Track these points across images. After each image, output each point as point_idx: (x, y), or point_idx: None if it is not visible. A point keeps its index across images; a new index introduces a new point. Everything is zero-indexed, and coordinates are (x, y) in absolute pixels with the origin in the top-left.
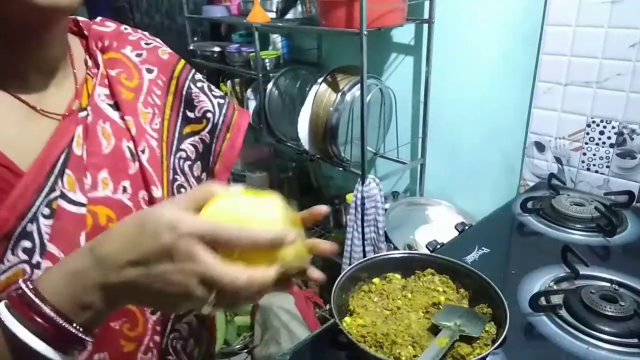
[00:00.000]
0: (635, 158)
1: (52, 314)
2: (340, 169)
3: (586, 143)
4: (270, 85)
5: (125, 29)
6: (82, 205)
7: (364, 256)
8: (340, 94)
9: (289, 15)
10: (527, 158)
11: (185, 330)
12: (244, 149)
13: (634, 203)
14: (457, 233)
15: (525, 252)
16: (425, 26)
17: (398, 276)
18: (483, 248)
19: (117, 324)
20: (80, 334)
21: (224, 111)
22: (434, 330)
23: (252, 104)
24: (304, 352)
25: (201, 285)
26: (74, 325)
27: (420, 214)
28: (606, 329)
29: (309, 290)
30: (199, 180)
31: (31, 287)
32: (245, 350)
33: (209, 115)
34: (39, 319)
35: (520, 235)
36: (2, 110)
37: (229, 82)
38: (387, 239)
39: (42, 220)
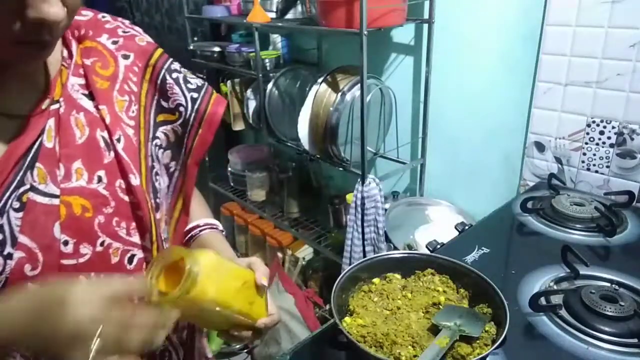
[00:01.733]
0: (635, 158)
1: None
2: (340, 169)
3: (586, 143)
4: (270, 85)
5: (103, 17)
6: (55, 196)
7: (364, 256)
8: (340, 94)
9: (289, 15)
10: (527, 158)
11: (175, 341)
12: (244, 149)
13: (634, 203)
14: (457, 233)
15: (525, 252)
16: (425, 26)
17: (398, 276)
18: (483, 248)
19: None
20: None
21: (196, 106)
22: (434, 330)
23: (252, 104)
24: (304, 352)
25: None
26: None
27: (420, 214)
28: (606, 329)
29: (309, 290)
30: (167, 167)
31: None
32: (245, 350)
33: (181, 109)
34: None
35: (520, 235)
36: None
37: (229, 82)
38: (387, 239)
39: (12, 213)
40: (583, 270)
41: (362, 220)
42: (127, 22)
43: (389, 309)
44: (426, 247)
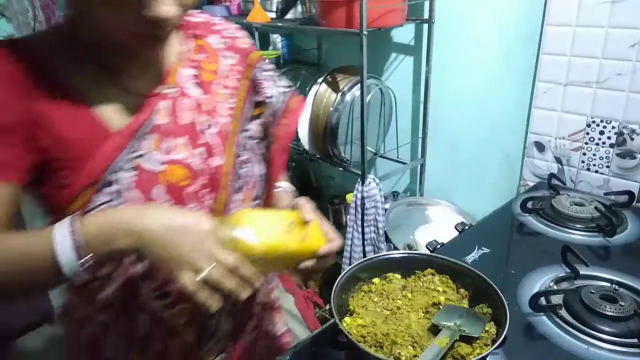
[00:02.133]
0: (635, 158)
1: (76, 232)
2: (340, 169)
3: (586, 143)
4: None
5: (213, 19)
6: (159, 164)
7: (364, 256)
8: (340, 94)
9: (289, 15)
10: (527, 158)
11: None
12: None
13: (634, 203)
14: (457, 233)
15: (525, 252)
16: (425, 26)
17: (398, 276)
18: (483, 248)
19: None
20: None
21: (284, 98)
22: (434, 330)
23: None
24: (304, 352)
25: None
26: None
27: (420, 214)
28: (606, 329)
29: (309, 290)
30: (263, 156)
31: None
32: None
33: (271, 101)
34: (70, 229)
35: (520, 235)
36: (105, 91)
37: None
38: (387, 239)
39: (124, 173)
40: (583, 270)
41: (362, 220)
42: (233, 25)
43: (389, 309)
44: (426, 247)
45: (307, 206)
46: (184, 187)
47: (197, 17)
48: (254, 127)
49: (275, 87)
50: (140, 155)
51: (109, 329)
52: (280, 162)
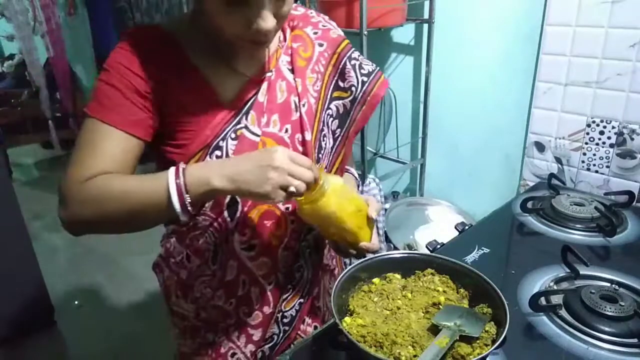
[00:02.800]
0: (635, 158)
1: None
2: None
3: (586, 143)
4: None
5: (311, 13)
6: (257, 135)
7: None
8: None
9: None
10: (527, 158)
11: (311, 242)
12: None
13: (634, 203)
14: (457, 233)
15: (525, 252)
16: (425, 26)
17: (398, 276)
18: (483, 248)
19: (268, 222)
20: (186, 200)
21: (364, 88)
22: (434, 330)
23: None
24: (304, 352)
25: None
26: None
27: (420, 214)
28: (606, 329)
29: None
30: (334, 133)
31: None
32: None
33: (353, 89)
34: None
35: (520, 235)
36: (220, 71)
37: None
38: (387, 239)
39: (230, 141)
40: (583, 270)
41: None
42: (326, 17)
43: (389, 309)
44: (426, 247)
45: (376, 206)
46: None
47: (297, 10)
48: (334, 107)
49: (359, 76)
50: (244, 127)
51: (200, 274)
52: (352, 144)
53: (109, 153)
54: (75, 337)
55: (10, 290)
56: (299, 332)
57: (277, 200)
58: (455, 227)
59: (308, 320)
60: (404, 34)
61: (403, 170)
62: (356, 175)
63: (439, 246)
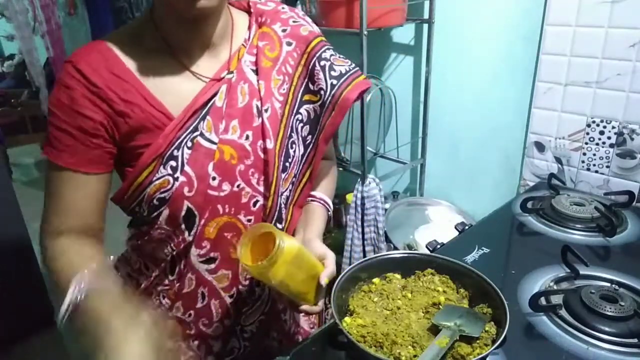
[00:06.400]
0: (635, 158)
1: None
2: (340, 168)
3: (586, 143)
4: None
5: (283, 8)
6: (214, 143)
7: (364, 256)
8: None
9: None
10: (527, 158)
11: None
12: None
13: (634, 203)
14: (457, 233)
15: (525, 252)
16: (425, 26)
17: (398, 276)
18: (483, 248)
19: (229, 234)
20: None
21: (333, 92)
22: (434, 330)
23: None
24: (304, 352)
25: None
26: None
27: (420, 214)
28: (606, 329)
29: None
30: (304, 140)
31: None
32: None
33: (322, 92)
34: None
35: (520, 235)
36: (168, 72)
37: None
38: (387, 239)
39: (185, 149)
40: (583, 270)
41: (362, 220)
42: (300, 13)
43: (389, 309)
44: (426, 247)
45: (329, 270)
46: (234, 165)
47: (267, 5)
48: (304, 111)
49: (328, 78)
50: (200, 134)
51: (158, 283)
52: (322, 153)
53: (71, 204)
54: (75, 337)
55: (10, 290)
56: (266, 349)
57: None
58: (455, 227)
59: (274, 334)
60: (404, 34)
61: (403, 170)
62: (329, 206)
63: (439, 246)
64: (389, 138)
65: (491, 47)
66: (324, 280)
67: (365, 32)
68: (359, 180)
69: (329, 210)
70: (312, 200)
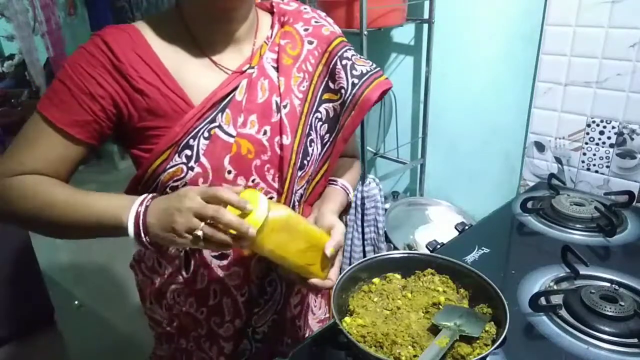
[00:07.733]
0: (635, 158)
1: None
2: None
3: (586, 143)
4: None
5: (305, 8)
6: (232, 136)
7: (364, 256)
8: None
9: None
10: (527, 158)
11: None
12: None
13: (634, 203)
14: (457, 233)
15: (525, 252)
16: (425, 26)
17: (398, 276)
18: (483, 248)
19: None
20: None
21: (354, 91)
22: (434, 330)
23: None
24: (304, 352)
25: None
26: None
27: (420, 214)
28: (606, 329)
29: None
30: (322, 138)
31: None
32: None
33: (342, 91)
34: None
35: (520, 235)
36: (192, 60)
37: None
38: (387, 239)
39: (202, 140)
40: (583, 270)
41: (362, 220)
42: (322, 14)
43: (389, 309)
44: (426, 247)
45: (337, 239)
46: (250, 160)
47: (290, 5)
48: (323, 110)
49: (349, 77)
50: (218, 126)
51: (173, 280)
52: (339, 153)
53: (43, 154)
54: (75, 337)
55: (10, 290)
56: (277, 352)
57: (186, 246)
58: (455, 227)
59: (288, 340)
60: (404, 34)
61: (403, 170)
62: (348, 189)
63: (439, 246)
64: (389, 138)
65: (491, 47)
66: (328, 250)
67: (365, 32)
68: (359, 180)
69: (348, 195)
70: (332, 183)
